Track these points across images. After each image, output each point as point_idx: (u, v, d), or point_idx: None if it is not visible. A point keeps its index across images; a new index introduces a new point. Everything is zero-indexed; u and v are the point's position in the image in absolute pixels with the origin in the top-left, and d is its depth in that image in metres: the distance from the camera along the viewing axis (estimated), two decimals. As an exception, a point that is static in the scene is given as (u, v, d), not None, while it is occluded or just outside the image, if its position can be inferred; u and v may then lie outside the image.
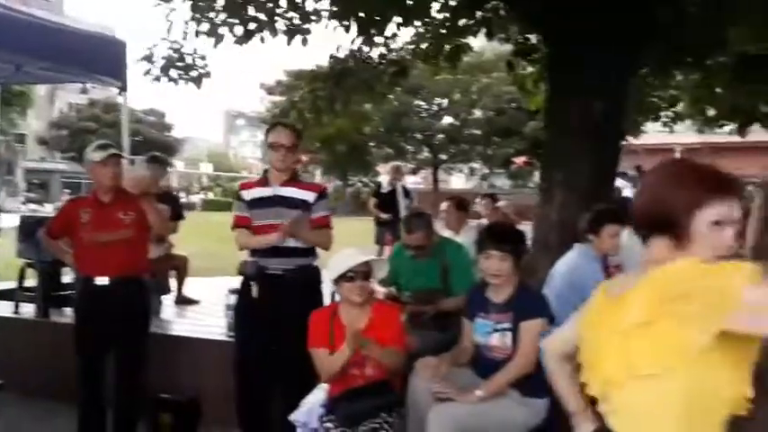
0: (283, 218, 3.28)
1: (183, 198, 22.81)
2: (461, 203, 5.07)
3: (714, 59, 6.00)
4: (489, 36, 6.53)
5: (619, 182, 18.49)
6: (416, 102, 31.24)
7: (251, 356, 3.36)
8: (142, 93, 58.28)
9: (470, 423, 2.66)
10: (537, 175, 31.95)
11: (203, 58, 4.72)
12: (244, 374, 3.42)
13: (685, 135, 29.58)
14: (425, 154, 30.01)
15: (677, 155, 35.06)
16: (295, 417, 2.73)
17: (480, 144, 28.28)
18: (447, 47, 6.80)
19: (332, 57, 4.99)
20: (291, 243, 3.35)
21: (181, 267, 5.21)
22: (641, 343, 1.27)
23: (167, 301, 5.11)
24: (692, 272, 1.24)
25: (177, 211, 5.31)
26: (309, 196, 3.36)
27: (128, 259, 3.35)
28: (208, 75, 4.86)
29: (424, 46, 7.08)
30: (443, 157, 29.71)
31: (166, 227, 3.69)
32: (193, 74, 4.69)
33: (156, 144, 28.30)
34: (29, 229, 4.57)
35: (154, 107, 33.45)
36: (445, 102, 29.98)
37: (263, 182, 3.43)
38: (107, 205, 3.36)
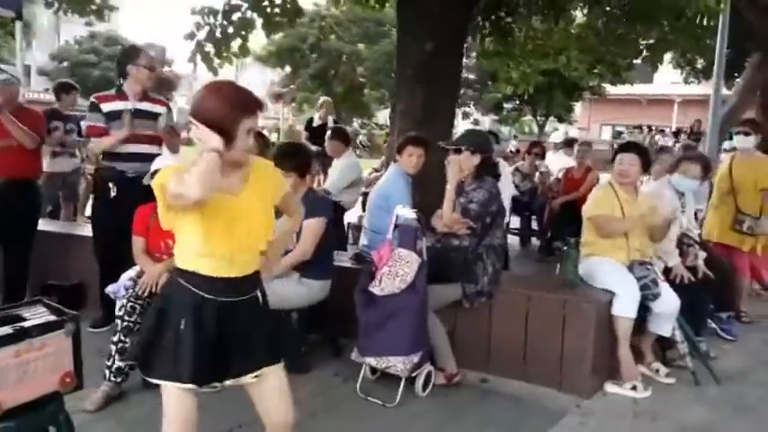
0: (139, 128, 3.99)
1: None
2: (339, 132, 5.63)
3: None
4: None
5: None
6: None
7: (108, 243, 4.04)
8: (146, 27, 57.65)
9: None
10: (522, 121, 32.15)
11: (104, -9, 5.24)
12: (104, 261, 4.12)
13: (686, 87, 29.31)
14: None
15: (676, 106, 34.63)
16: (108, 289, 3.41)
17: (472, 88, 28.38)
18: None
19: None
20: (146, 149, 4.03)
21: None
22: None
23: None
24: None
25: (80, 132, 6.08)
26: (161, 110, 4.08)
27: (14, 163, 4.01)
28: (111, 8, 5.40)
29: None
30: (437, 100, 29.76)
31: (30, 141, 4.09)
32: (93, 7, 5.22)
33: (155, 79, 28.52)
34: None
35: (154, 41, 33.63)
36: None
37: (121, 96, 4.07)
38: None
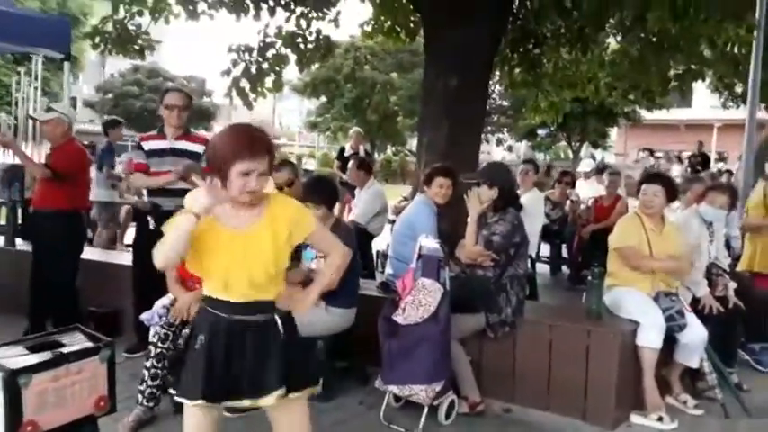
0: (176, 166, 4.12)
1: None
2: (362, 164, 5.75)
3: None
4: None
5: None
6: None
7: (146, 274, 4.20)
8: (187, 59, 60.01)
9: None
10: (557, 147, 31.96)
11: (147, 33, 5.53)
12: (140, 289, 4.28)
13: (726, 111, 28.47)
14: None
15: (715, 131, 33.82)
16: (142, 316, 3.55)
17: (506, 115, 28.47)
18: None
19: (260, 32, 5.73)
20: (181, 185, 4.19)
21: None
22: None
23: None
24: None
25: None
26: (199, 148, 4.18)
27: (56, 195, 4.24)
28: (151, 48, 5.70)
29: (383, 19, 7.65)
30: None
31: (40, 173, 4.33)
32: (136, 47, 5.52)
33: (195, 110, 29.38)
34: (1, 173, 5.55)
35: (194, 74, 34.84)
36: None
37: (161, 136, 4.26)
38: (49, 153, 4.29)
